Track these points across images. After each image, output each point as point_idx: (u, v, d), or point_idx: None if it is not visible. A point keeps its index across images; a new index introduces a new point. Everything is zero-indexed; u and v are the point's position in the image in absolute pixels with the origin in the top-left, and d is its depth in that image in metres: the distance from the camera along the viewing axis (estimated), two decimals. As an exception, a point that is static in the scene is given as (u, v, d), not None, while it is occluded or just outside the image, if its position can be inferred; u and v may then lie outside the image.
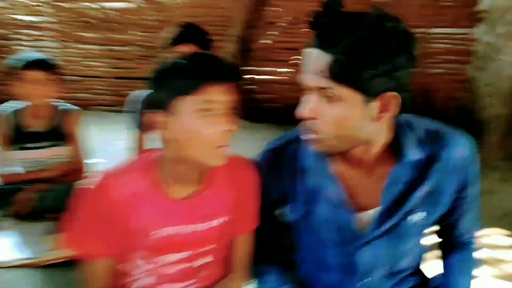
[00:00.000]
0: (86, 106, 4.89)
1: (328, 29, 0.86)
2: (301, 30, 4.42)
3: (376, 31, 0.83)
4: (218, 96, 0.96)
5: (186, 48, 1.88)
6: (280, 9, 4.45)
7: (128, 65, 4.87)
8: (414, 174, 0.99)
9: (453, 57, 4.31)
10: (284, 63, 4.64)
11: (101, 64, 4.94)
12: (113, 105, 4.85)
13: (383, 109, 0.89)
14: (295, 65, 4.58)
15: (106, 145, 3.86)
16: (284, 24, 4.54)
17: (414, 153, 0.97)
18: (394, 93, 0.87)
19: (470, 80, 4.24)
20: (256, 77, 4.72)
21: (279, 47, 4.60)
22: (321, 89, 0.88)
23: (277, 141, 1.12)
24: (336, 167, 1.02)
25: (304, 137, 0.97)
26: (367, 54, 0.83)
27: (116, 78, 4.93)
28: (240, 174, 1.12)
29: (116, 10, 4.76)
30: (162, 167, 1.06)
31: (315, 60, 0.87)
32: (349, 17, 0.86)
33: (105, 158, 3.47)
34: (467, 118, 4.10)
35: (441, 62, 4.47)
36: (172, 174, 1.05)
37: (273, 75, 4.73)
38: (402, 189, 0.99)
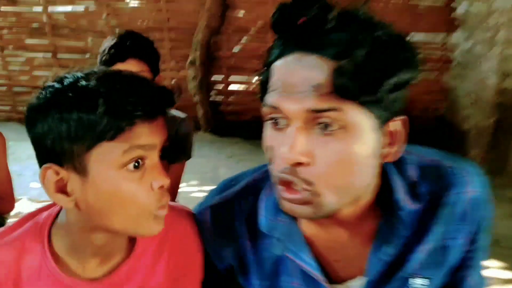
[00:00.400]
0: (30, 120, 4.49)
1: (331, 27, 0.62)
2: (271, 37, 4.12)
3: (392, 31, 0.64)
4: (149, 139, 0.65)
5: (128, 67, 1.51)
6: (248, 14, 4.13)
7: (78, 75, 4.44)
8: (411, 230, 0.75)
9: (431, 65, 4.14)
10: (252, 72, 4.33)
11: (48, 73, 4.53)
12: None
13: (392, 140, 0.68)
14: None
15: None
16: (253, 31, 4.24)
17: (408, 202, 0.74)
18: (404, 117, 0.67)
19: (449, 89, 4.06)
20: (221, 87, 4.45)
21: (247, 55, 4.30)
22: (315, 114, 0.62)
23: (223, 192, 0.86)
24: (307, 227, 0.78)
25: (283, 194, 0.67)
26: (388, 57, 0.62)
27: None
28: (179, 236, 0.83)
29: (64, 14, 4.38)
30: (63, 235, 0.73)
31: (307, 71, 0.62)
32: (351, 12, 0.64)
33: None
34: (447, 129, 3.92)
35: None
36: (80, 245, 0.73)
37: (241, 85, 4.46)
38: (395, 252, 0.76)
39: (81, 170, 0.64)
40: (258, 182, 0.83)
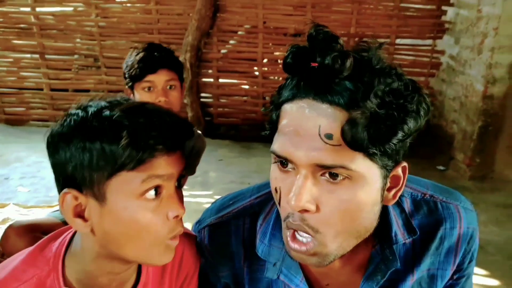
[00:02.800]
0: (19, 121, 4.44)
1: (347, 75, 0.61)
2: (260, 39, 4.12)
3: (404, 79, 0.64)
4: (167, 169, 0.67)
5: (160, 77, 1.58)
6: (238, 16, 4.12)
7: (66, 76, 4.46)
8: (403, 262, 0.78)
9: (418, 69, 4.17)
10: (241, 74, 4.32)
11: (36, 74, 4.50)
12: (49, 120, 4.48)
13: (393, 185, 0.70)
14: (254, 77, 4.28)
15: (36, 169, 3.37)
16: (242, 33, 4.23)
17: (403, 237, 0.77)
18: (405, 164, 0.69)
19: (437, 93, 4.09)
20: (211, 89, 4.42)
21: (236, 57, 4.28)
22: (323, 168, 0.62)
23: (220, 212, 0.87)
24: None
25: (290, 244, 0.69)
26: (400, 108, 0.61)
27: (53, 90, 4.51)
28: (178, 259, 0.84)
29: (52, 15, 4.30)
30: (77, 263, 0.73)
31: (319, 120, 0.61)
32: (366, 60, 0.63)
33: (33, 186, 3.04)
34: (433, 133, 3.95)
35: (405, 74, 4.29)
36: (94, 273, 0.74)
37: (230, 87, 4.44)
38: (387, 281, 0.78)
39: (100, 197, 0.66)
40: (255, 205, 0.84)
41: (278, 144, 0.65)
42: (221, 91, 4.42)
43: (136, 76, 1.58)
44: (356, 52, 0.62)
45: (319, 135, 0.61)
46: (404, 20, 4.01)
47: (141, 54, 1.59)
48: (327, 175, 0.63)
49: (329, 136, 0.60)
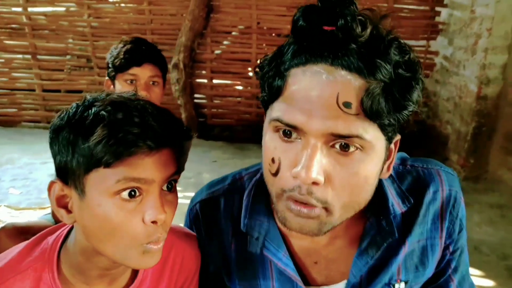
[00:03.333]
0: (10, 122, 4.40)
1: (364, 41, 0.59)
2: (254, 40, 4.10)
3: (409, 49, 0.64)
4: (148, 172, 0.64)
5: (144, 71, 1.57)
6: (232, 17, 4.11)
7: (58, 77, 4.42)
8: (395, 233, 0.76)
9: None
10: (235, 75, 4.30)
11: (28, 75, 4.46)
12: (41, 121, 4.46)
13: (389, 156, 0.69)
14: (248, 78, 4.27)
15: (28, 170, 3.33)
16: (236, 34, 4.21)
17: (398, 206, 0.76)
18: (399, 135, 0.69)
19: (431, 94, 4.10)
20: (205, 90, 4.40)
21: (230, 58, 4.26)
22: (338, 137, 0.60)
23: (212, 188, 0.86)
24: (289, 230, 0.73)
25: (297, 208, 0.64)
26: (411, 78, 0.61)
27: (45, 91, 4.47)
28: (179, 259, 0.83)
29: (44, 15, 4.26)
30: (70, 256, 0.73)
31: (337, 87, 0.58)
32: (381, 28, 0.61)
33: (24, 188, 3.01)
34: (427, 134, 3.96)
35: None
36: (86, 267, 0.73)
37: (224, 88, 4.42)
38: (382, 255, 0.76)
39: (80, 191, 0.65)
40: (245, 181, 0.83)
41: (286, 112, 0.61)
42: (214, 92, 4.40)
43: (121, 67, 1.56)
44: (370, 18, 0.60)
45: (337, 103, 0.58)
46: (397, 21, 3.99)
47: (128, 46, 1.58)
48: (337, 146, 0.60)
49: (348, 105, 0.58)
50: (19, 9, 4.25)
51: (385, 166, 0.69)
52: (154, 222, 0.66)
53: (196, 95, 4.36)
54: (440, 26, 3.98)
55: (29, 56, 4.34)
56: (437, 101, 4.07)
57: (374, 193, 0.70)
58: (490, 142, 3.44)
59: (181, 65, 4.06)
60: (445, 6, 3.90)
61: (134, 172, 0.63)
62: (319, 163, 0.60)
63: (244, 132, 4.14)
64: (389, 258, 0.77)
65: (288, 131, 0.62)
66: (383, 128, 0.61)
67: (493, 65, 3.28)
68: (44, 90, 4.44)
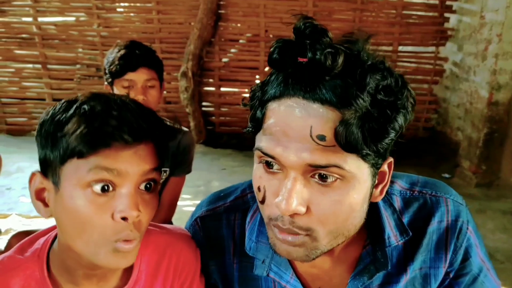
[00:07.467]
0: (20, 131, 4.43)
1: (337, 72, 0.57)
2: (262, 47, 4.11)
3: (393, 73, 0.61)
4: (122, 164, 0.63)
5: (140, 76, 1.55)
6: (240, 25, 4.12)
7: (68, 86, 4.47)
8: (395, 263, 0.75)
9: (421, 77, 4.16)
10: (243, 83, 4.31)
11: (38, 84, 4.50)
12: None
13: (380, 180, 0.68)
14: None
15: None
16: (244, 42, 4.22)
17: (395, 238, 0.74)
18: (391, 158, 0.67)
19: (441, 100, 4.08)
20: (213, 98, 4.41)
21: (238, 66, 4.27)
22: (315, 168, 0.59)
23: (212, 204, 0.85)
24: None
25: (281, 236, 0.64)
26: (390, 105, 0.59)
27: (55, 100, 4.49)
28: (175, 260, 0.81)
29: (54, 25, 4.31)
30: (57, 255, 0.72)
31: (310, 120, 0.58)
32: (356, 55, 0.59)
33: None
34: (438, 141, 3.93)
35: (409, 81, 4.30)
36: (70, 266, 0.71)
37: (232, 96, 4.43)
38: (381, 280, 0.76)
39: (56, 183, 0.65)
40: (247, 199, 0.82)
41: (265, 143, 0.62)
42: (223, 100, 4.41)
43: (117, 73, 1.55)
44: (345, 47, 0.59)
45: (311, 136, 0.57)
46: (406, 28, 4.01)
47: (122, 51, 1.56)
48: (317, 176, 0.60)
49: (322, 138, 0.57)
50: (29, 19, 4.30)
51: (377, 190, 0.68)
52: (125, 219, 0.64)
53: (204, 103, 4.38)
54: (449, 32, 3.96)
55: (39, 66, 4.39)
56: (447, 108, 4.04)
57: (372, 222, 0.70)
58: (502, 148, 3.41)
59: (190, 73, 4.07)
60: (454, 12, 3.89)
61: (107, 162, 0.62)
62: (299, 194, 0.60)
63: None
64: (390, 285, 0.77)
65: (270, 162, 0.63)
66: (364, 157, 0.60)
67: (503, 71, 3.25)
68: (54, 99, 4.47)
